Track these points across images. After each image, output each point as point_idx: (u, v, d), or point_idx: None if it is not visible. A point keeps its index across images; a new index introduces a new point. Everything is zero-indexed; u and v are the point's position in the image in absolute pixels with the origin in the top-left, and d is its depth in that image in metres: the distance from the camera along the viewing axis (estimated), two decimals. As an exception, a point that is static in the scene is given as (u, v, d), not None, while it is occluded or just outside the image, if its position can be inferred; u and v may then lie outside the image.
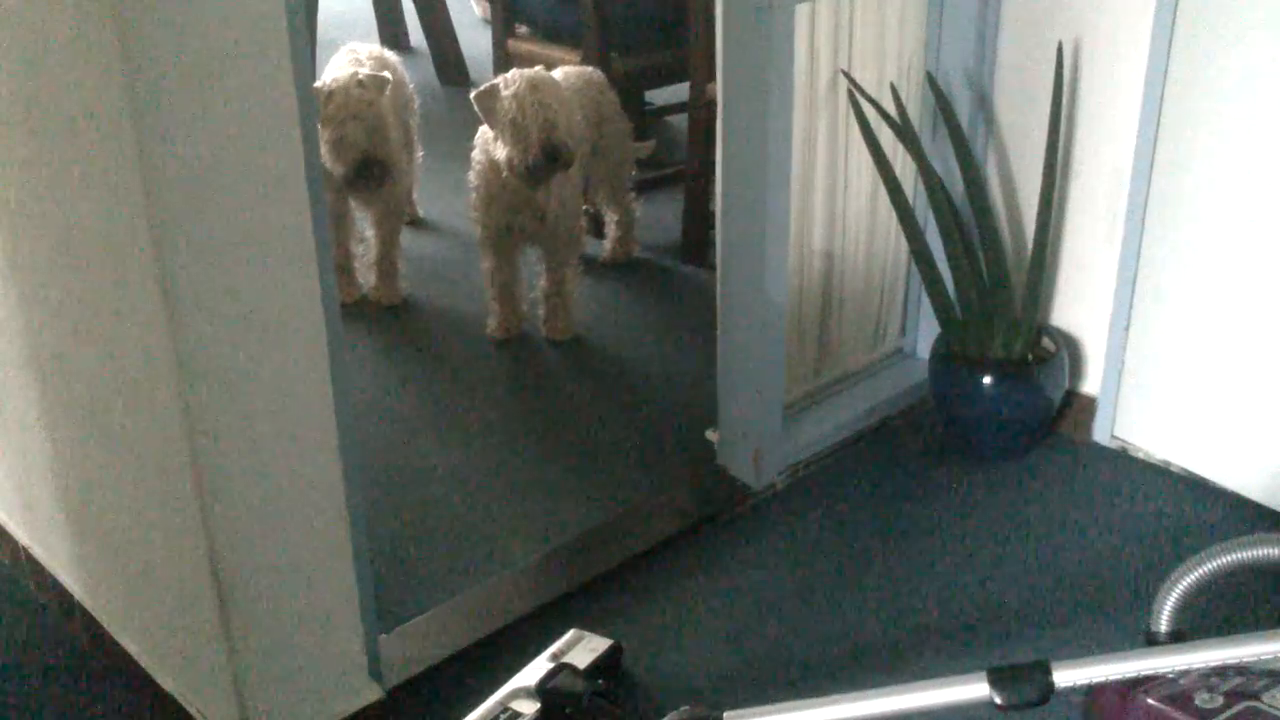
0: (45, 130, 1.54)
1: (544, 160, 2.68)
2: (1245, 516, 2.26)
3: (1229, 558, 1.46)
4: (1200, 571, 1.49)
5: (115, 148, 1.39)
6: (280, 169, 1.47)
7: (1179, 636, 1.52)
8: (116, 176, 1.41)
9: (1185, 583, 1.50)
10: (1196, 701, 1.39)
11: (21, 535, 2.13)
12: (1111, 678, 1.22)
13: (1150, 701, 1.43)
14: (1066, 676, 1.18)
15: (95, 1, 1.31)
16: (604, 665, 1.86)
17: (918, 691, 1.20)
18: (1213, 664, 1.23)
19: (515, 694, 1.78)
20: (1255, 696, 1.37)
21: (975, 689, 1.18)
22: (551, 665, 1.82)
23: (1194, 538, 2.21)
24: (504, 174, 2.74)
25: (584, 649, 1.86)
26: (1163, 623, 1.52)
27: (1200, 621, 1.56)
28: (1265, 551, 1.43)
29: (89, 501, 1.86)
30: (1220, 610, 1.89)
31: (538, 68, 2.83)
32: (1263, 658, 1.20)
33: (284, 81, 1.44)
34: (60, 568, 2.04)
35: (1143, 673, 1.23)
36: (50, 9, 1.42)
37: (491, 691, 1.80)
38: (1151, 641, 1.53)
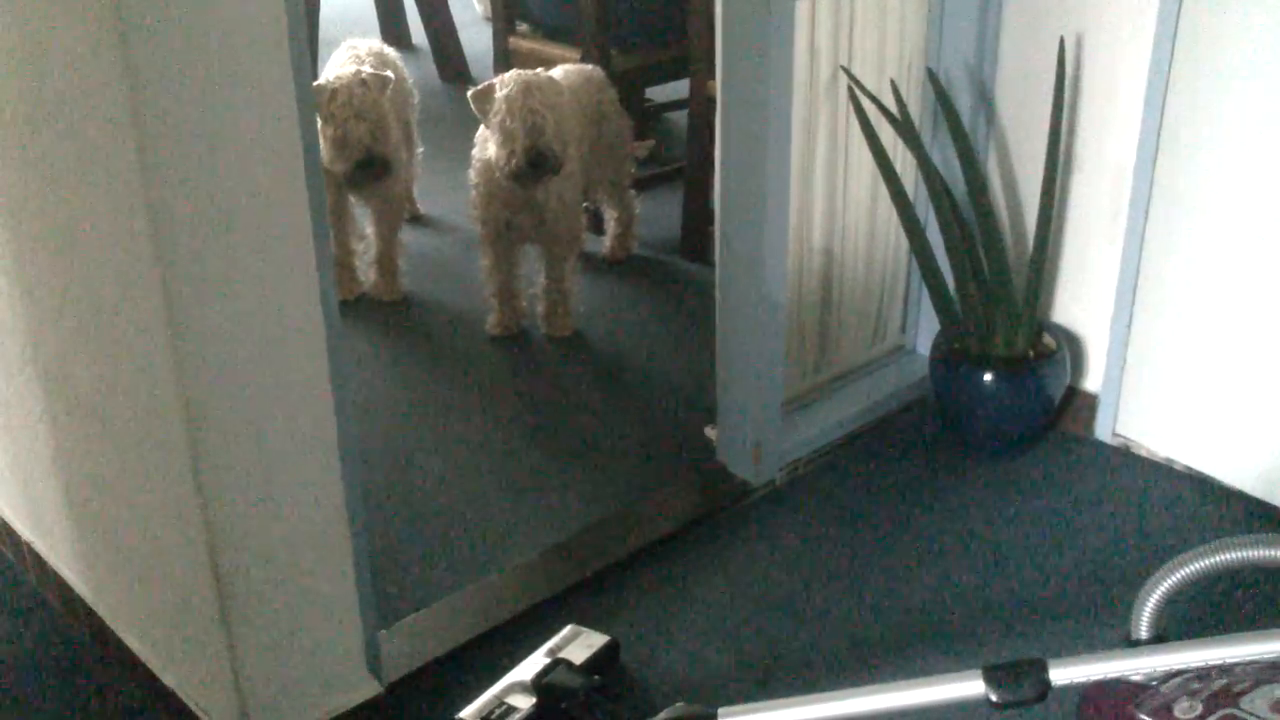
0: (48, 130, 1.54)
1: (528, 166, 2.68)
2: (1248, 514, 2.26)
3: (1206, 561, 1.45)
4: (1179, 575, 1.48)
5: (116, 148, 1.39)
6: (279, 167, 1.47)
7: (1159, 641, 1.51)
8: (117, 176, 1.42)
9: (1164, 587, 1.50)
10: (1175, 711, 1.37)
11: (25, 530, 2.14)
12: (1109, 675, 1.21)
13: (1143, 717, 1.42)
14: (1063, 674, 1.18)
15: (97, 4, 1.31)
16: (600, 661, 1.86)
17: (914, 688, 1.20)
18: (1211, 663, 1.22)
19: (511, 689, 1.78)
20: (1234, 701, 1.36)
21: (971, 686, 1.18)
22: (548, 660, 1.82)
23: (1196, 535, 2.21)
24: (495, 173, 2.75)
25: (581, 645, 1.86)
26: (1143, 629, 1.52)
27: (1199, 621, 1.55)
28: (1244, 554, 1.42)
29: (91, 497, 1.86)
30: (1205, 612, 1.88)
31: (538, 69, 2.83)
32: (1263, 658, 1.20)
33: (283, 81, 1.44)
34: (62, 563, 2.04)
35: (1141, 670, 1.23)
36: (54, 11, 1.42)
37: (489, 687, 1.80)
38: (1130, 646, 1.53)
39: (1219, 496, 2.31)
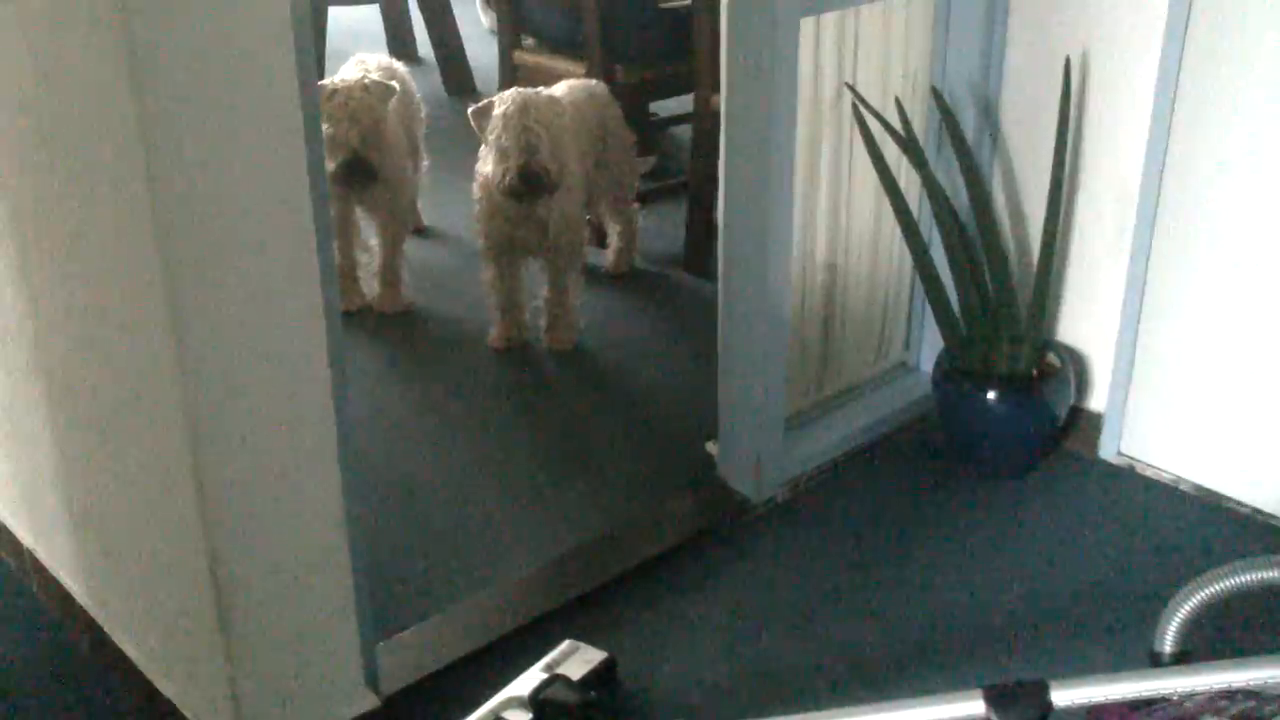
0: (56, 142, 1.54)
1: (521, 183, 2.69)
2: (1256, 533, 2.25)
3: (1240, 578, 1.43)
4: (1209, 591, 1.46)
5: (123, 160, 1.40)
6: (285, 180, 1.48)
7: (1184, 657, 1.50)
8: (124, 188, 1.42)
9: (1192, 602, 1.47)
10: None
11: (26, 537, 2.14)
12: (1111, 698, 1.20)
13: None
14: (1065, 696, 1.17)
15: (107, 19, 1.32)
16: (598, 677, 1.85)
17: (913, 708, 1.19)
18: (1217, 687, 1.21)
19: (507, 703, 1.77)
20: None
21: (971, 706, 1.17)
22: (545, 676, 1.81)
23: (1203, 555, 2.20)
24: (491, 190, 2.76)
25: (578, 660, 1.86)
26: (1167, 643, 1.50)
27: (1209, 642, 1.54)
28: (1277, 573, 1.41)
29: (92, 506, 1.86)
30: (1231, 631, 1.87)
31: (539, 88, 2.84)
32: (1271, 681, 1.19)
33: (289, 94, 1.44)
34: (63, 570, 2.04)
35: (1144, 694, 1.22)
36: (64, 25, 1.42)
37: (487, 701, 1.79)
38: (1155, 662, 1.51)
39: (1227, 515, 2.30)
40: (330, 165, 2.83)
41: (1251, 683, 1.18)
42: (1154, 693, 1.20)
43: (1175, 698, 1.38)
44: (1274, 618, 2.00)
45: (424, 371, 2.95)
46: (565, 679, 1.81)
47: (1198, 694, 1.34)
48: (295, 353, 1.55)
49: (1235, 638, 1.91)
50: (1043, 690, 1.16)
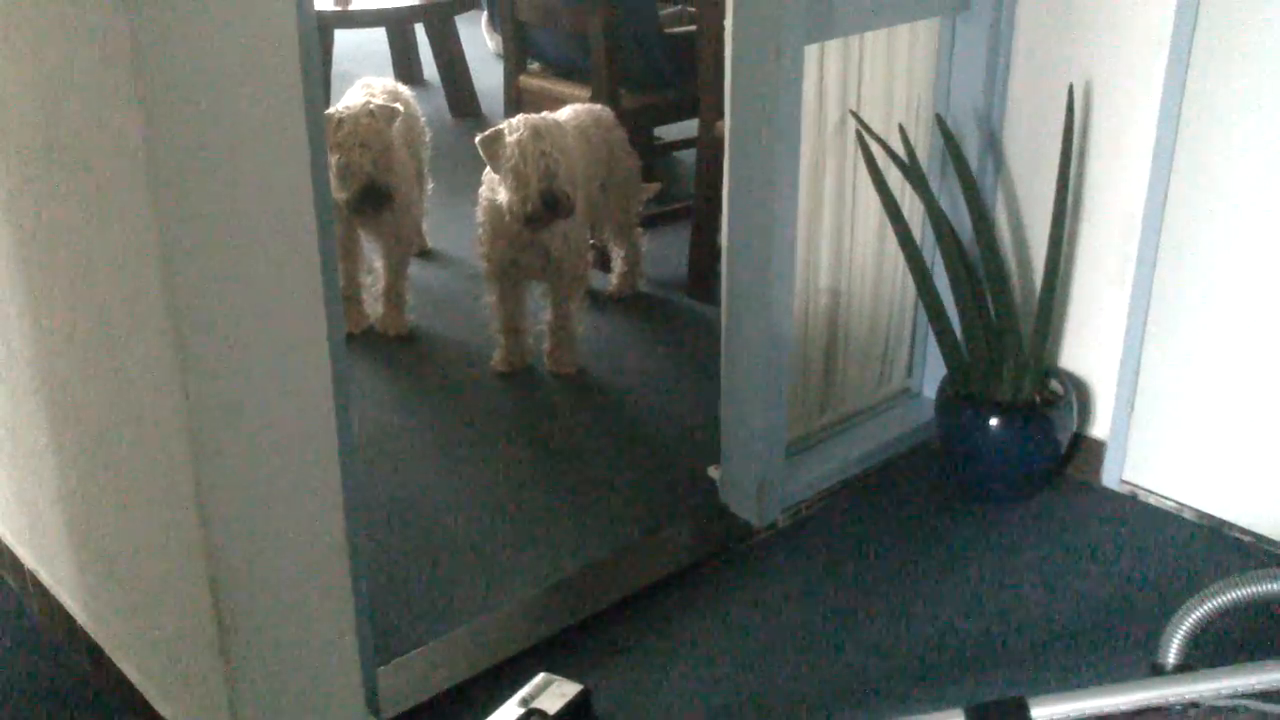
0: (63, 164, 1.55)
1: (543, 209, 2.71)
2: (1259, 561, 2.24)
3: (1247, 590, 1.43)
4: (1215, 603, 1.46)
5: (129, 181, 1.40)
6: (289, 202, 1.48)
7: (1186, 670, 1.49)
8: (129, 209, 1.43)
9: (1197, 614, 1.48)
10: None
11: (28, 558, 2.14)
12: (1088, 712, 1.20)
13: None
14: (1044, 713, 1.17)
15: (114, 41, 1.33)
16: (573, 711, 1.84)
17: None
18: (1205, 696, 1.21)
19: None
20: None
21: (957, 728, 1.17)
22: (522, 711, 1.80)
23: (1205, 580, 2.18)
24: (506, 216, 2.77)
25: (553, 694, 1.84)
26: (1171, 654, 1.50)
27: (1211, 658, 1.53)
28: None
29: (94, 527, 1.86)
30: (1232, 647, 1.86)
31: (544, 113, 2.86)
32: (1256, 688, 1.18)
33: (295, 117, 1.45)
34: (64, 591, 2.04)
35: (1120, 708, 1.22)
36: (72, 48, 1.44)
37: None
38: (1157, 673, 1.50)
39: (1229, 543, 2.30)
40: (344, 194, 2.85)
41: (1237, 690, 1.18)
42: (1133, 705, 1.20)
43: (1179, 708, 1.37)
44: (1274, 637, 1.99)
45: (426, 394, 2.95)
46: (542, 713, 1.79)
47: (1203, 706, 1.34)
48: (298, 374, 1.56)
49: (1238, 652, 1.90)
50: (1022, 708, 1.17)
